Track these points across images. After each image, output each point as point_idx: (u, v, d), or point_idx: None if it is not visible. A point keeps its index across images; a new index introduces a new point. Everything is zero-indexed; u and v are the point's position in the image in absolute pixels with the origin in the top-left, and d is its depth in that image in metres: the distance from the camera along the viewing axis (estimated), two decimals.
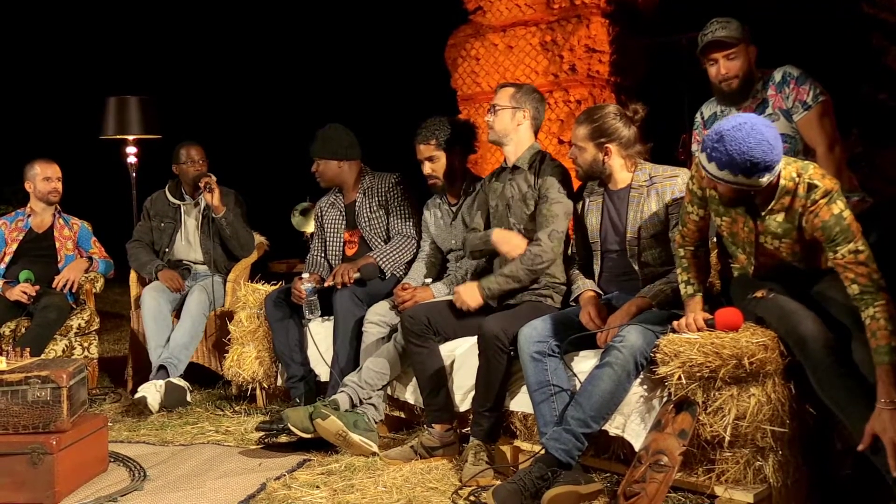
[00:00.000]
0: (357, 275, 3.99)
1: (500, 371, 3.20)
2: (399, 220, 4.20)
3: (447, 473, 3.24)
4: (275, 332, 4.14)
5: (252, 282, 4.52)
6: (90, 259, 4.94)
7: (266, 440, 3.72)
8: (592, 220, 3.34)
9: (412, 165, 4.00)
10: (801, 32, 4.88)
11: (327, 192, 4.44)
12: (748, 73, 3.28)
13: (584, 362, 3.08)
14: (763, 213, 2.73)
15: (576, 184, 3.49)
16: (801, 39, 4.72)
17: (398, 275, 4.09)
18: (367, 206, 4.25)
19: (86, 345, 4.81)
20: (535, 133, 3.59)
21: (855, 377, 2.56)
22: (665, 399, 2.85)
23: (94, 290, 4.95)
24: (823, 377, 2.59)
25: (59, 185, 4.90)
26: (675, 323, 2.88)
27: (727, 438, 2.67)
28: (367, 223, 4.24)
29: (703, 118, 3.54)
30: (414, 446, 3.42)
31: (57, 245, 4.89)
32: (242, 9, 9.90)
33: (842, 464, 2.81)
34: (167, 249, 4.87)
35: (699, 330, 2.80)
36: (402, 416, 3.86)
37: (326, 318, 4.07)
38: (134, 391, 4.46)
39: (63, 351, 4.72)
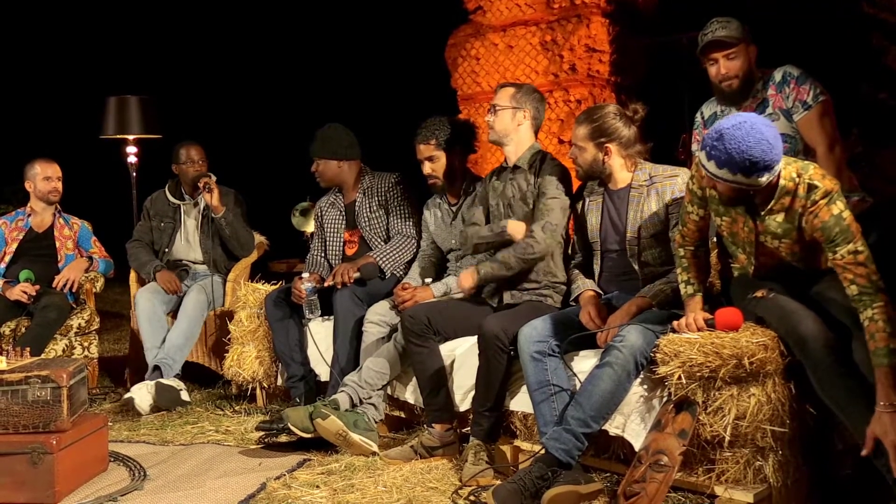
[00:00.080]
0: (357, 274, 3.99)
1: (500, 371, 3.20)
2: (399, 220, 4.20)
3: (447, 473, 3.24)
4: (275, 331, 4.14)
5: (252, 281, 4.53)
6: (90, 259, 4.94)
7: (266, 440, 3.72)
8: (592, 220, 3.34)
9: (412, 165, 4.00)
10: (801, 32, 4.87)
11: (327, 192, 4.44)
12: (748, 73, 3.28)
13: (584, 362, 3.08)
14: (763, 213, 2.73)
15: (576, 184, 3.49)
16: (801, 39, 4.72)
17: (398, 274, 4.09)
18: (367, 205, 4.25)
19: (86, 344, 4.81)
20: (536, 133, 3.59)
21: (855, 377, 2.56)
22: (665, 399, 2.85)
23: (94, 290, 4.95)
24: (824, 377, 2.59)
25: (60, 185, 4.90)
26: (675, 323, 2.88)
27: (727, 438, 2.67)
28: (367, 223, 4.24)
29: (703, 118, 3.54)
30: (414, 446, 3.42)
31: (57, 245, 4.89)
32: (242, 9, 9.90)
33: (842, 464, 2.82)
34: (167, 249, 4.87)
35: (699, 330, 2.80)
36: (403, 415, 3.86)
37: (326, 317, 4.07)
38: None
39: (63, 350, 4.72)
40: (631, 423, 2.90)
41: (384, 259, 4.08)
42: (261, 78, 10.10)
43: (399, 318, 3.68)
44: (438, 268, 4.03)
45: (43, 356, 4.29)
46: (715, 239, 3.27)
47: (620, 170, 3.27)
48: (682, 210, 3.03)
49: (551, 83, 5.23)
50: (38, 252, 4.84)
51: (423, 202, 4.13)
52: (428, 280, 3.87)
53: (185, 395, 4.36)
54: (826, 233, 2.60)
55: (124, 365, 5.02)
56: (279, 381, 4.29)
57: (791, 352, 2.69)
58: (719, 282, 3.35)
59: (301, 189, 5.75)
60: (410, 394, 3.68)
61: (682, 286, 3.02)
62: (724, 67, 3.28)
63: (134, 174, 6.08)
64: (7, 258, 4.79)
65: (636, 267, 3.23)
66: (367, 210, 4.25)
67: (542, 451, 2.91)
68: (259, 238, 5.09)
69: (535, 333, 3.07)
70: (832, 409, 2.61)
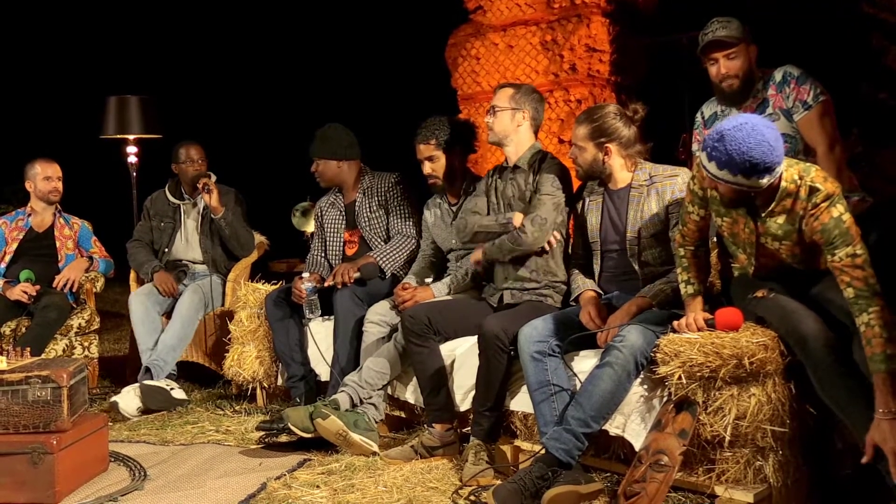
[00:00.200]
0: (357, 274, 4.00)
1: (500, 371, 3.20)
2: (399, 220, 4.20)
3: (447, 473, 3.24)
4: (275, 331, 4.14)
5: (252, 281, 4.53)
6: (90, 258, 4.94)
7: (266, 440, 3.72)
8: (592, 220, 3.34)
9: (412, 165, 4.00)
10: (801, 32, 4.87)
11: (327, 192, 4.44)
12: (749, 73, 3.28)
13: (585, 362, 3.08)
14: (763, 215, 2.73)
15: (576, 184, 3.49)
16: (801, 39, 4.72)
17: (398, 274, 4.09)
18: (367, 205, 4.25)
19: (86, 344, 4.81)
20: (536, 133, 3.59)
21: (855, 377, 2.55)
22: (665, 399, 2.85)
23: (94, 290, 4.95)
24: (824, 376, 2.59)
25: (60, 185, 4.91)
26: (675, 323, 2.88)
27: (727, 438, 2.67)
28: (367, 223, 4.24)
29: (703, 118, 3.54)
30: (414, 446, 3.42)
31: (57, 244, 4.89)
32: (242, 9, 9.89)
33: (842, 464, 2.81)
34: (167, 249, 4.87)
35: (699, 330, 2.80)
36: (403, 415, 3.86)
37: (327, 317, 4.07)
38: None
39: (63, 350, 4.72)
40: (631, 423, 2.90)
41: (384, 259, 4.08)
42: (261, 78, 10.10)
43: (399, 317, 3.68)
44: (438, 268, 4.03)
45: (43, 356, 4.29)
46: (715, 239, 3.27)
47: (620, 170, 3.27)
48: (682, 210, 3.03)
49: (551, 83, 5.23)
50: (38, 252, 4.84)
51: (423, 202, 4.13)
52: (428, 280, 3.87)
53: (177, 394, 4.35)
54: (825, 235, 2.59)
55: (124, 365, 5.02)
56: (279, 381, 4.29)
57: (791, 352, 2.69)
58: (719, 282, 3.35)
59: (301, 189, 5.75)
60: (411, 394, 3.68)
61: (682, 286, 3.02)
62: (724, 67, 3.28)
63: (134, 174, 6.08)
64: (7, 258, 4.79)
65: (636, 267, 3.23)
66: (367, 210, 4.25)
67: (543, 451, 2.91)
68: (259, 238, 5.09)
69: (535, 333, 3.07)
70: (832, 408, 2.61)
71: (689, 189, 2.95)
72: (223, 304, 4.75)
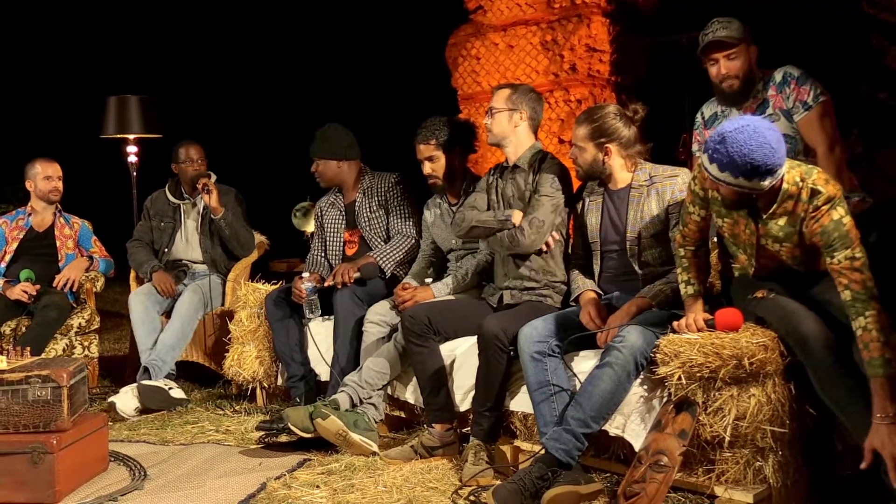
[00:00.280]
0: (357, 274, 4.00)
1: (500, 371, 3.20)
2: (399, 220, 4.20)
3: (447, 473, 3.24)
4: (275, 331, 4.14)
5: (252, 281, 4.53)
6: (91, 258, 4.94)
7: (266, 440, 3.72)
8: (592, 220, 3.34)
9: (412, 165, 4.00)
10: (801, 32, 4.87)
11: (327, 192, 4.44)
12: (749, 74, 3.28)
13: (585, 362, 3.08)
14: (765, 217, 2.73)
15: (576, 184, 3.49)
16: (801, 39, 4.72)
17: (398, 274, 4.09)
18: (367, 205, 4.25)
19: (86, 344, 4.81)
20: (535, 132, 3.59)
21: (856, 377, 2.55)
22: (665, 399, 2.85)
23: (94, 290, 4.95)
24: (824, 377, 2.59)
25: (60, 184, 4.91)
26: (675, 323, 2.88)
27: (727, 439, 2.67)
28: (367, 223, 4.24)
29: (703, 118, 3.54)
30: (414, 446, 3.43)
31: (57, 244, 4.89)
32: (242, 9, 9.89)
33: (842, 464, 2.81)
34: (167, 249, 4.87)
35: (699, 330, 2.80)
36: (403, 415, 3.86)
37: (327, 317, 4.07)
38: None
39: (63, 350, 4.73)
40: (631, 424, 2.90)
41: (384, 259, 4.08)
42: (261, 78, 10.09)
43: (399, 318, 3.68)
44: (438, 268, 4.03)
45: (43, 356, 4.29)
46: (715, 239, 3.27)
47: (620, 170, 3.27)
48: (683, 210, 3.02)
49: (552, 83, 5.23)
50: (38, 251, 4.84)
51: (423, 202, 4.13)
52: (428, 280, 3.87)
53: (176, 393, 4.35)
54: (825, 237, 2.59)
55: (124, 365, 5.02)
56: (279, 381, 4.29)
57: (791, 352, 2.69)
58: (719, 282, 3.35)
59: (301, 189, 5.76)
60: (410, 394, 3.68)
61: (682, 286, 3.02)
62: (724, 68, 3.28)
63: (134, 174, 6.09)
64: (7, 257, 4.79)
65: (636, 267, 3.23)
66: (367, 210, 4.25)
67: (542, 452, 2.91)
68: (259, 238, 5.09)
69: (535, 333, 3.07)
70: (833, 409, 2.61)
71: (689, 189, 2.95)
72: (223, 304, 4.75)
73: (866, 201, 3.21)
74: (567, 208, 3.46)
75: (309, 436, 3.46)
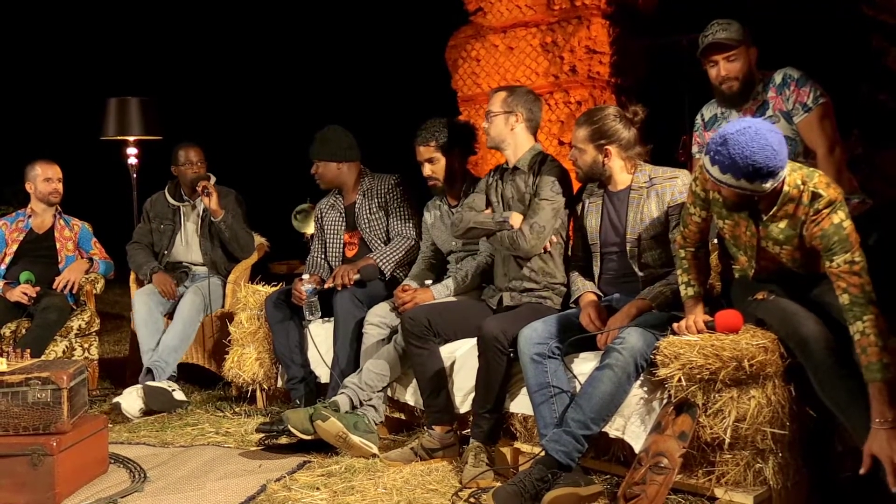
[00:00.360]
0: (357, 276, 4.00)
1: (499, 373, 3.20)
2: (399, 222, 4.20)
3: (447, 475, 3.24)
4: (275, 333, 4.14)
5: (252, 283, 4.53)
6: (91, 260, 4.94)
7: (266, 442, 3.72)
8: (592, 222, 3.34)
9: (412, 167, 4.00)
10: (801, 33, 4.87)
11: (327, 194, 4.44)
12: (749, 75, 3.28)
13: (584, 364, 3.08)
14: (766, 219, 2.72)
15: (576, 185, 3.48)
16: (801, 40, 4.72)
17: (398, 276, 4.09)
18: (367, 207, 4.25)
19: (86, 346, 4.81)
20: (534, 134, 3.58)
21: (856, 378, 2.55)
22: (665, 401, 2.85)
23: (94, 291, 4.95)
24: (825, 378, 2.59)
25: (60, 186, 4.91)
26: (675, 325, 2.88)
27: (727, 440, 2.67)
28: (367, 225, 4.24)
29: (703, 120, 3.54)
30: (414, 448, 3.42)
31: (57, 246, 4.89)
32: (242, 10, 9.90)
33: (842, 466, 2.81)
34: (166, 251, 4.87)
35: (699, 332, 2.80)
36: (403, 417, 3.86)
37: (327, 319, 4.07)
38: None
39: (63, 352, 4.72)
40: (631, 425, 2.89)
41: (384, 261, 4.08)
42: (261, 80, 10.10)
43: (399, 319, 3.68)
44: (438, 269, 4.03)
45: (43, 358, 4.29)
46: (716, 240, 3.27)
47: (620, 172, 3.27)
48: (684, 211, 3.02)
49: (551, 85, 5.22)
50: (38, 253, 4.84)
51: (422, 204, 4.13)
52: (428, 282, 3.87)
53: (178, 395, 4.35)
54: (825, 241, 2.59)
55: (124, 366, 5.02)
56: (279, 383, 4.29)
57: (791, 354, 2.69)
58: (720, 283, 3.35)
59: (301, 191, 5.76)
60: (410, 395, 3.68)
61: (682, 288, 3.02)
62: (724, 69, 3.28)
63: (134, 175, 6.09)
64: (7, 259, 4.79)
65: (636, 269, 3.23)
66: (367, 212, 4.25)
67: (542, 453, 2.91)
68: (259, 239, 5.09)
69: (535, 335, 3.07)
70: (833, 410, 2.61)
71: (691, 190, 2.94)
72: (223, 306, 4.75)
73: (866, 203, 3.21)
74: (567, 210, 3.46)
75: (309, 438, 3.46)
